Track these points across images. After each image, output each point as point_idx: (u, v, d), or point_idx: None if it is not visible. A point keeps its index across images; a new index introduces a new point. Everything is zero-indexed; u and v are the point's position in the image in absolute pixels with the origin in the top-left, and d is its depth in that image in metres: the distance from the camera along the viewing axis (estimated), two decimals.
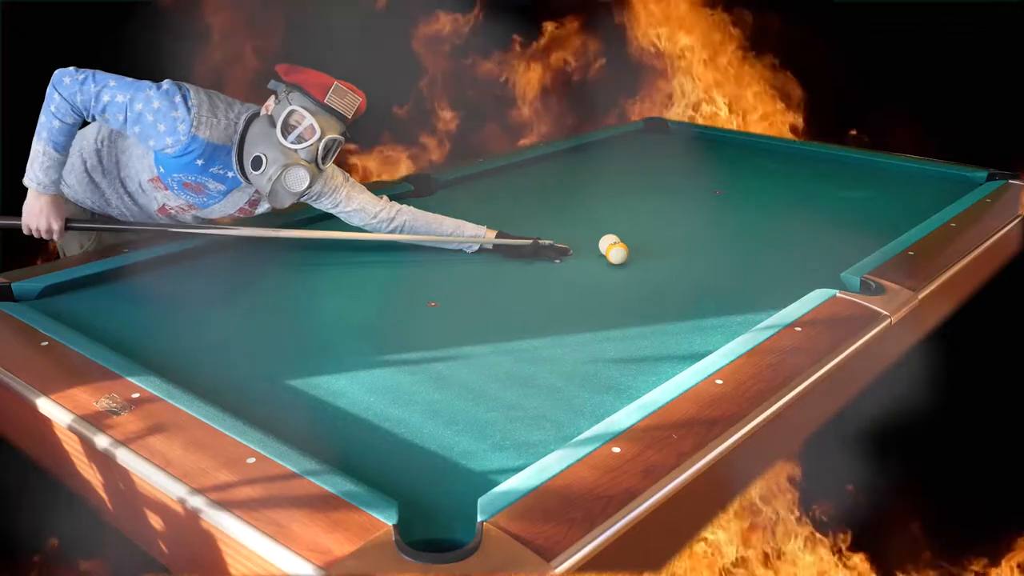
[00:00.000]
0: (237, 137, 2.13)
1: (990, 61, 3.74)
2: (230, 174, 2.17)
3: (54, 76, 2.09)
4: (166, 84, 2.09)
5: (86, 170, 2.26)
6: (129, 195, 2.27)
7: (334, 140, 2.14)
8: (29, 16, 3.08)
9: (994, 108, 3.70)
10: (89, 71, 2.09)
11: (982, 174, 3.06)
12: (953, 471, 2.25)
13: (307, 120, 2.09)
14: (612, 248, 2.32)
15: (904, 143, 3.57)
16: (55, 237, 2.19)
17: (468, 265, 2.35)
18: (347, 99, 2.12)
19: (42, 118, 2.09)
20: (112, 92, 2.06)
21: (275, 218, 2.47)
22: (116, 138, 2.22)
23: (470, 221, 2.41)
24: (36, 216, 2.13)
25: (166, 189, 2.20)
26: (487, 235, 2.39)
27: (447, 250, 2.41)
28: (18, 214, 2.14)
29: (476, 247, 2.41)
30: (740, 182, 3.19)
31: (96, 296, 2.07)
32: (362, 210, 2.34)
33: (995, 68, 3.75)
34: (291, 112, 2.09)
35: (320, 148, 2.12)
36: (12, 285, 2.04)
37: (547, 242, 2.39)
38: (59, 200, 2.15)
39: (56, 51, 2.85)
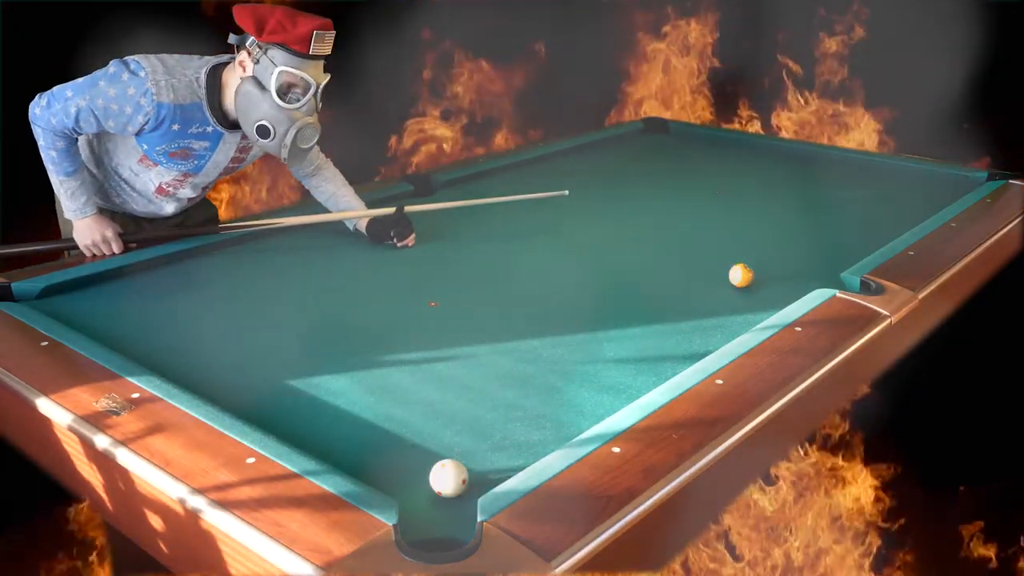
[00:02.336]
0: (203, 91, 2.09)
1: (990, 61, 3.74)
2: (209, 129, 2.15)
3: (29, 111, 2.11)
4: (112, 67, 2.06)
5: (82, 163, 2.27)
6: (125, 182, 2.27)
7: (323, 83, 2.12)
8: (29, 16, 3.08)
9: (993, 108, 3.70)
10: (49, 92, 2.09)
11: (982, 174, 3.06)
12: (953, 471, 2.25)
13: (302, 79, 2.05)
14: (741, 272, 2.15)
15: (905, 143, 3.58)
16: (113, 247, 2.24)
17: (468, 265, 2.35)
18: (326, 40, 2.05)
19: (41, 153, 2.14)
20: (74, 101, 2.05)
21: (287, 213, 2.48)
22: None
23: (468, 222, 2.41)
24: (86, 234, 2.22)
25: (155, 165, 2.19)
26: (362, 222, 2.44)
27: (446, 249, 2.42)
28: (19, 213, 2.15)
29: (354, 225, 2.46)
30: (740, 182, 3.18)
31: (96, 296, 2.07)
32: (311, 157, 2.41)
33: (995, 68, 3.75)
34: (280, 73, 2.03)
35: (318, 98, 2.11)
36: (12, 285, 2.04)
37: (406, 212, 2.41)
38: (101, 215, 2.24)
39: (56, 51, 2.85)
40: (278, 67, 2.03)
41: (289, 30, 2.02)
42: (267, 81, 2.04)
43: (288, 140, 2.08)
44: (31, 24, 3.09)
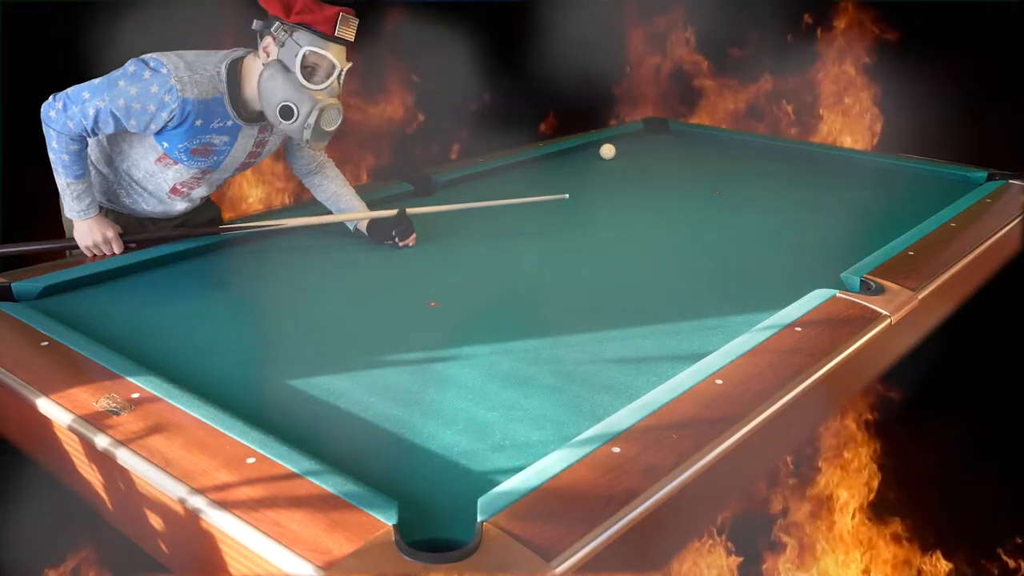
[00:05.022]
0: (224, 85, 2.10)
1: (990, 61, 3.74)
2: (229, 123, 2.15)
3: (41, 114, 2.09)
4: (131, 66, 2.05)
5: (92, 163, 2.26)
6: (137, 183, 2.26)
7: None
8: (29, 16, 3.08)
9: (993, 108, 3.70)
10: (63, 93, 2.08)
11: (982, 174, 3.06)
12: (952, 471, 2.25)
13: (326, 59, 2.07)
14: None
15: (906, 143, 3.58)
16: (114, 247, 2.24)
17: (468, 265, 2.35)
18: (351, 25, 2.08)
19: (51, 156, 2.13)
20: (92, 103, 2.04)
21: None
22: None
23: (469, 222, 2.41)
24: (87, 235, 2.22)
25: (176, 163, 2.19)
26: (363, 222, 2.45)
27: (446, 250, 2.42)
28: (20, 213, 2.15)
29: (355, 225, 2.47)
30: (740, 182, 3.19)
31: (96, 296, 2.07)
32: (311, 153, 2.42)
33: (995, 68, 3.75)
34: (306, 53, 2.05)
35: (340, 82, 2.12)
36: (12, 285, 2.04)
37: (408, 215, 2.42)
38: (102, 216, 2.24)
39: (56, 51, 2.86)
40: (303, 47, 2.05)
41: (316, 11, 2.05)
42: (291, 63, 2.06)
43: (311, 120, 2.07)
44: (33, 24, 3.09)
